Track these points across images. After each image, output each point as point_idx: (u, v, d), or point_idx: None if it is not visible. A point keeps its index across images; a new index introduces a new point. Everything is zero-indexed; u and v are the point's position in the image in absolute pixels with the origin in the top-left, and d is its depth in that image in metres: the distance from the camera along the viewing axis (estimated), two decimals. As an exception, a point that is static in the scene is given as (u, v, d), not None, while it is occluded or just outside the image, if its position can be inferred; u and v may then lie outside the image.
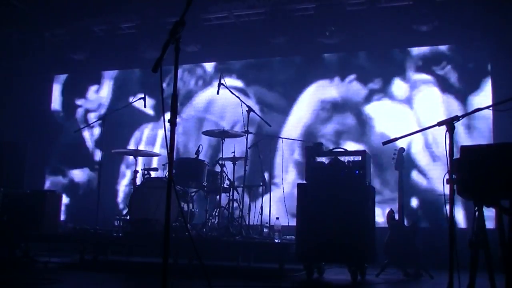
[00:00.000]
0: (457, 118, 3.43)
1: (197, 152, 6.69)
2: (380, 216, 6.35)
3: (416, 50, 7.90)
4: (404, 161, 5.74)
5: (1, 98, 9.28)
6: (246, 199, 6.73)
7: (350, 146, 7.45)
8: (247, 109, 6.51)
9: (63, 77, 10.01)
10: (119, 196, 9.00)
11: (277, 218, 6.42)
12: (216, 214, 6.63)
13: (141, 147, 8.62)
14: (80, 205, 9.01)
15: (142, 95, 7.01)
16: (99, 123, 7.07)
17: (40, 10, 8.76)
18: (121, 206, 8.80)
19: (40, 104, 9.83)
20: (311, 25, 7.84)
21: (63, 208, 7.52)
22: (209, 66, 9.03)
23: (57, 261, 6.46)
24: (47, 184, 9.59)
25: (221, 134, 6.66)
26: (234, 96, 6.50)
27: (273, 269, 5.59)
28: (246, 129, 6.49)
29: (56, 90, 10.00)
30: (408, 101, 7.79)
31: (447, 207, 3.31)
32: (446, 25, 7.35)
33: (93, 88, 9.74)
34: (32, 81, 9.59)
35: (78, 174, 9.48)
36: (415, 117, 7.67)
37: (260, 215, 6.66)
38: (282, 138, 7.09)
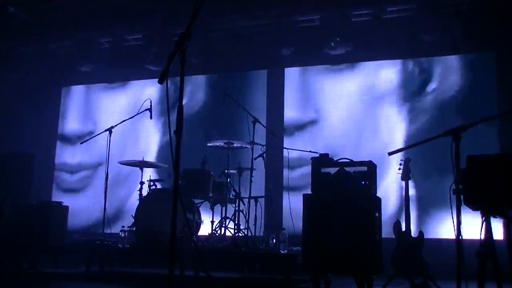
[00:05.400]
0: (463, 127, 3.42)
1: (203, 163, 6.70)
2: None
3: (420, 60, 7.90)
4: (410, 171, 5.72)
5: (9, 109, 9.35)
6: (252, 210, 6.72)
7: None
8: (252, 119, 6.52)
9: (69, 88, 10.07)
10: (125, 207, 8.99)
11: (283, 229, 6.40)
12: (222, 225, 6.61)
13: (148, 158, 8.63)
14: (86, 215, 9.05)
15: (148, 106, 7.04)
16: (106, 134, 7.10)
17: (47, 22, 8.84)
18: (127, 217, 8.79)
19: (47, 116, 9.88)
20: (316, 36, 7.86)
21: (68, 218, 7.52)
22: (215, 77, 9.06)
23: (64, 272, 6.47)
24: (54, 196, 9.61)
25: (227, 145, 6.67)
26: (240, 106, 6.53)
27: (280, 280, 5.57)
28: (252, 140, 6.50)
29: (63, 102, 10.06)
30: (414, 110, 7.79)
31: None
32: (451, 35, 7.35)
33: (99, 99, 9.79)
34: (39, 92, 9.66)
35: (85, 185, 9.50)
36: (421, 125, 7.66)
37: (266, 226, 6.64)
38: (287, 148, 7.09)
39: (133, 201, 7.33)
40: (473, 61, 7.63)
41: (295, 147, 7.11)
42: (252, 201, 6.66)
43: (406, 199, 5.62)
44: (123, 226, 6.61)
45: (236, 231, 6.40)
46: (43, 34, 9.02)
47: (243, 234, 6.37)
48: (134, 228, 6.55)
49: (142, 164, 7.20)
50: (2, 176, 7.34)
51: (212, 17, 8.16)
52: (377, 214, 5.07)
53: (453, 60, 7.76)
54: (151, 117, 7.08)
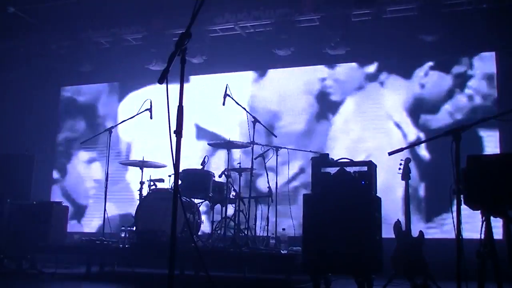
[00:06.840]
0: (463, 127, 3.42)
1: (203, 163, 6.70)
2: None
3: (422, 60, 7.90)
4: (410, 171, 5.71)
5: (9, 110, 9.35)
6: (253, 210, 6.71)
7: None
8: (252, 119, 6.52)
9: (69, 88, 10.06)
10: (126, 207, 8.99)
11: (284, 229, 6.39)
12: (222, 225, 6.61)
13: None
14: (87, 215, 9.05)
15: (148, 106, 7.02)
16: (106, 134, 7.09)
17: (47, 22, 8.84)
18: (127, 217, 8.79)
19: (47, 116, 9.88)
20: (316, 36, 7.86)
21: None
22: (215, 77, 9.05)
23: (64, 272, 6.47)
24: (54, 196, 9.61)
25: (227, 145, 6.67)
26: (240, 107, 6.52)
27: (280, 280, 5.57)
28: (251, 139, 6.50)
29: (63, 102, 10.06)
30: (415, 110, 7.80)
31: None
32: (451, 36, 7.35)
33: (99, 99, 9.79)
34: (39, 93, 9.66)
35: (85, 185, 9.50)
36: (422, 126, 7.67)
37: (266, 226, 6.64)
38: (288, 148, 7.08)
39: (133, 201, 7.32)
40: (474, 61, 7.62)
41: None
42: (253, 201, 6.66)
43: (406, 199, 5.62)
44: (123, 226, 6.61)
45: (236, 231, 6.39)
46: (43, 34, 9.02)
47: (243, 234, 6.37)
48: (134, 228, 6.55)
49: (142, 164, 7.20)
50: (3, 176, 7.34)
51: (212, 17, 8.17)
52: (377, 214, 5.07)
53: (454, 60, 7.76)
54: (151, 117, 7.07)
